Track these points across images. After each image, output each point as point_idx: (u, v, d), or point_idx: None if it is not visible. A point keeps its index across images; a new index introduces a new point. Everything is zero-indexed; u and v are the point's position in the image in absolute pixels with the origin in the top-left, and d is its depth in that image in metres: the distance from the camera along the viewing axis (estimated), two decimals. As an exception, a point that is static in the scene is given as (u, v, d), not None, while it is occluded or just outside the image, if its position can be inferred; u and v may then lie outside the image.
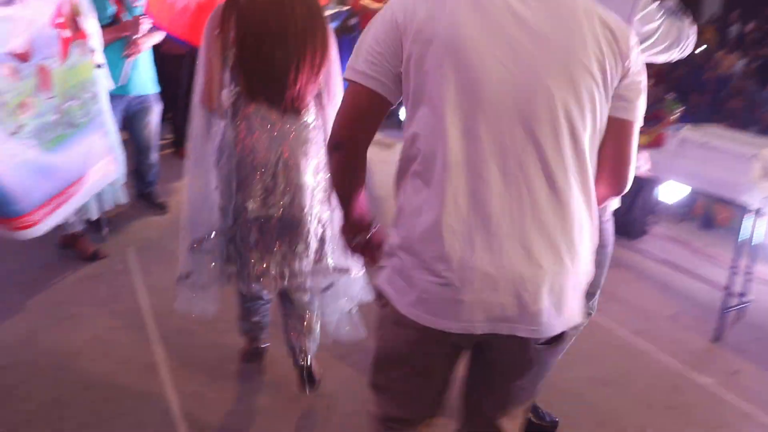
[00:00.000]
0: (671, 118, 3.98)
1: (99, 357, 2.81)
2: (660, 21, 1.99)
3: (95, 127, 3.07)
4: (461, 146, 1.26)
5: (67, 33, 2.81)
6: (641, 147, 3.74)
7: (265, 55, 2.11)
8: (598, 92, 1.28)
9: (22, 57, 2.53)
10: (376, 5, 6.87)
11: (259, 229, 2.26)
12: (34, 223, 2.72)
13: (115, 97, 3.81)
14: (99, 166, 3.13)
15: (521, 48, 1.23)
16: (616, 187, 1.44)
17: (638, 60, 1.33)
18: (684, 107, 3.99)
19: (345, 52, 5.78)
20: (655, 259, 4.30)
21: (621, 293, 3.78)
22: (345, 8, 6.74)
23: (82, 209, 3.38)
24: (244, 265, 2.31)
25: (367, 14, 6.95)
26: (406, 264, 1.36)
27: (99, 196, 3.47)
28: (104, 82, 3.15)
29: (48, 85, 2.69)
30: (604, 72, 1.27)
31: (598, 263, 2.08)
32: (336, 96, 2.30)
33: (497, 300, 1.30)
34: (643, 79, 1.35)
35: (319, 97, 2.30)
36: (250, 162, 2.19)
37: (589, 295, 2.03)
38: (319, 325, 2.52)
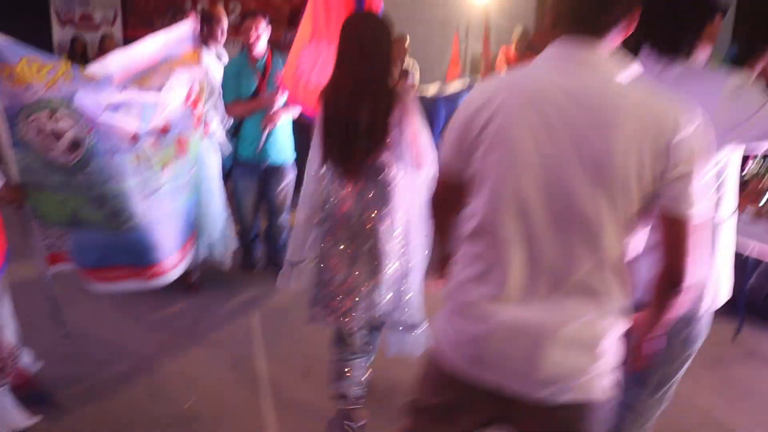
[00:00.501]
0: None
1: (214, 421, 2.94)
2: (761, 104, 1.79)
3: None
4: (488, 217, 1.46)
5: (199, 109, 3.28)
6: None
7: (332, 130, 2.54)
8: (628, 193, 1.35)
9: (163, 131, 3.06)
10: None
11: (343, 272, 2.59)
12: (167, 270, 3.11)
13: (251, 164, 4.23)
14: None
15: (565, 149, 1.36)
16: (669, 280, 1.44)
17: (687, 152, 1.33)
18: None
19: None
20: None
21: (758, 389, 3.45)
22: (478, 80, 6.83)
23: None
24: (329, 303, 2.65)
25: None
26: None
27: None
28: (217, 149, 3.60)
29: (185, 152, 3.18)
30: (640, 171, 1.34)
31: (670, 356, 1.96)
32: (420, 159, 2.55)
33: (503, 355, 1.45)
34: (694, 171, 1.34)
35: (400, 158, 2.57)
36: (338, 214, 2.57)
37: (658, 385, 2.07)
38: (367, 375, 2.84)
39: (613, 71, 1.39)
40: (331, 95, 2.56)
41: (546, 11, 1.48)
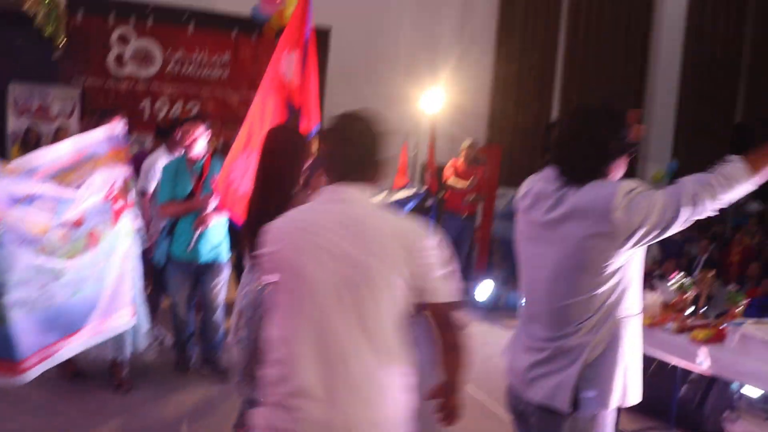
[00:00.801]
0: (735, 311, 3.79)
1: None
2: (650, 208, 1.88)
3: (117, 283, 3.49)
4: (287, 327, 1.81)
5: (119, 204, 3.39)
6: (700, 342, 3.58)
7: (249, 230, 2.72)
8: (393, 289, 1.75)
9: (76, 224, 3.14)
10: (461, 183, 7.11)
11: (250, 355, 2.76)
12: (28, 369, 3.03)
13: (183, 262, 4.27)
14: (114, 316, 3.54)
15: (338, 264, 1.76)
16: (447, 350, 1.86)
17: (427, 255, 1.78)
18: (749, 300, 3.82)
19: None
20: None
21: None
22: (422, 189, 6.96)
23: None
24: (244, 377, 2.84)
25: (453, 193, 7.18)
26: None
27: (119, 340, 3.87)
28: (136, 244, 3.68)
29: (95, 245, 3.25)
30: (400, 272, 1.74)
31: None
32: None
33: None
34: (436, 268, 1.79)
35: None
36: (250, 303, 2.78)
37: None
38: None
39: (369, 203, 1.85)
40: (249, 197, 2.80)
41: (322, 164, 1.95)
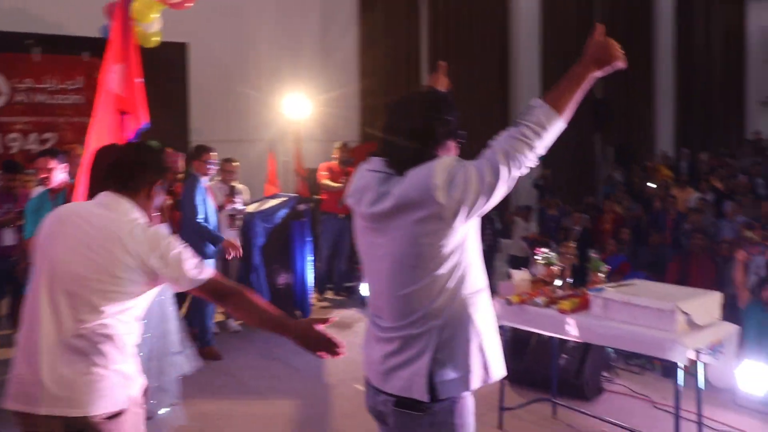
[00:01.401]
0: (597, 277, 3.99)
1: None
2: (464, 175, 1.88)
3: None
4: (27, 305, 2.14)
5: None
6: (567, 312, 3.74)
7: None
8: (114, 273, 2.04)
9: None
10: (335, 184, 7.11)
11: None
12: None
13: None
14: None
15: (70, 252, 2.09)
16: (249, 312, 2.19)
17: (150, 253, 2.07)
18: (609, 267, 4.03)
19: (297, 236, 6.04)
20: (611, 423, 4.07)
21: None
22: (294, 195, 6.90)
23: None
24: None
25: (329, 194, 7.18)
26: None
27: None
28: None
29: None
30: (135, 268, 2.05)
31: None
32: None
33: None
34: (180, 263, 2.09)
35: None
36: None
37: None
38: None
39: (124, 211, 2.14)
40: None
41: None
